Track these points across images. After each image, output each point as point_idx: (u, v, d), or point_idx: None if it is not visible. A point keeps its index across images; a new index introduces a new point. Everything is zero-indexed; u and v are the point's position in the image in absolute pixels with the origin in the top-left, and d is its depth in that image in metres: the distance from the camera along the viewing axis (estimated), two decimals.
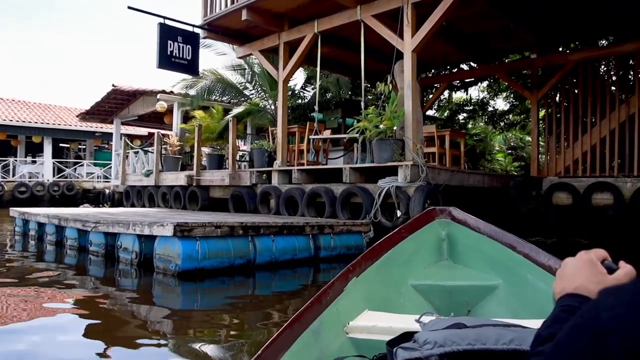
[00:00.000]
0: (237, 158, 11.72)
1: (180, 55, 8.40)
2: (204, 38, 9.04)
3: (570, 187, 9.19)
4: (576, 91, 9.66)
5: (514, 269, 2.03)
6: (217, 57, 16.70)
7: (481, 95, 16.69)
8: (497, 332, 1.14)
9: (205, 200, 9.95)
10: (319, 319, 1.73)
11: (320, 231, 5.99)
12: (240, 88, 15.88)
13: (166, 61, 8.22)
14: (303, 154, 8.95)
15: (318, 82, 8.60)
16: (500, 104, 18.56)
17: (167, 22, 8.33)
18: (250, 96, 15.97)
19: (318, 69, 8.35)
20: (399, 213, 6.49)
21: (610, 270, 0.79)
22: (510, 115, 18.42)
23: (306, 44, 8.29)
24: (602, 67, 9.60)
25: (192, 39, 8.65)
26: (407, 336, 1.24)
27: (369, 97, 15.73)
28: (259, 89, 16.04)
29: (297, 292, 4.83)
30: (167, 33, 8.23)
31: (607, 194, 8.77)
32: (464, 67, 12.83)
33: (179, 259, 4.65)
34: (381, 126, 6.79)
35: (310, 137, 8.28)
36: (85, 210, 8.96)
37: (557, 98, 9.98)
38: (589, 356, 0.53)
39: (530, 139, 23.48)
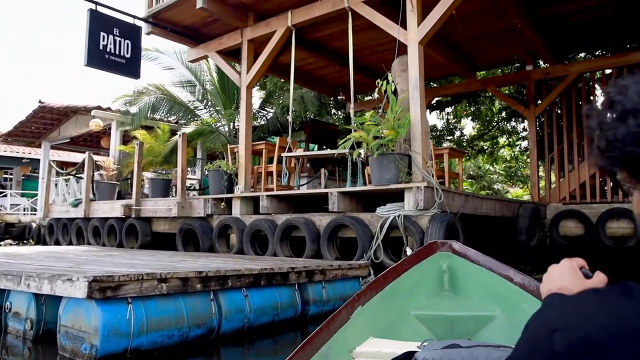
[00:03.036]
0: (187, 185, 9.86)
1: (117, 52, 6.60)
2: (148, 34, 7.27)
3: (579, 215, 7.95)
4: (580, 105, 8.58)
5: (511, 299, 2.10)
6: (163, 72, 14.83)
7: (452, 119, 15.65)
8: (486, 351, 1.28)
9: (147, 235, 8.00)
10: (327, 344, 1.89)
11: (309, 279, 4.28)
12: (191, 107, 14.09)
13: (98, 58, 6.38)
14: (271, 178, 7.27)
15: (292, 88, 6.99)
16: (468, 128, 17.69)
17: (100, 9, 6.54)
18: (202, 117, 14.21)
19: (292, 70, 6.77)
20: (409, 251, 4.90)
21: (587, 277, 0.89)
22: (480, 142, 17.57)
23: (277, 41, 6.70)
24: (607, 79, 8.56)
25: (132, 33, 6.88)
26: (409, 356, 1.44)
27: (340, 114, 14.30)
28: (211, 108, 14.33)
29: None
30: (100, 22, 6.43)
31: (625, 221, 7.57)
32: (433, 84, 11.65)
33: (97, 336, 2.82)
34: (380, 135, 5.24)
35: (282, 155, 6.61)
36: None
37: (557, 114, 8.85)
38: (542, 348, 0.67)
39: (491, 168, 22.82)
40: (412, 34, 5.40)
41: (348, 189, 5.66)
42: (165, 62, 13.75)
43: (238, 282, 3.60)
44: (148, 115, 12.28)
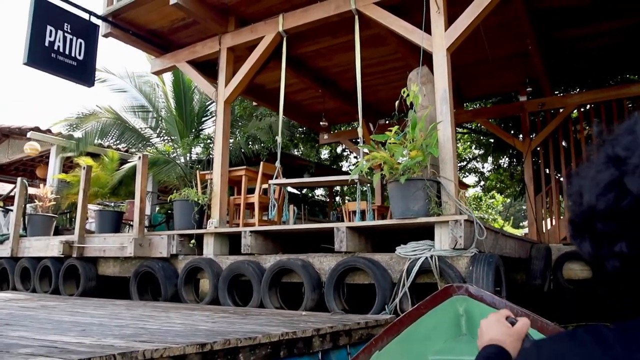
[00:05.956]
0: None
1: (66, 52, 5.35)
2: (106, 36, 6.05)
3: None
4: (578, 138, 8.06)
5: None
6: (113, 95, 13.35)
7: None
8: None
9: (91, 279, 6.53)
10: None
11: (334, 343, 3.15)
12: (145, 135, 12.72)
13: (42, 56, 5.11)
14: (251, 211, 6.10)
15: (282, 104, 5.94)
16: None
17: None
18: (156, 146, 12.85)
19: (282, 82, 5.76)
20: None
21: (513, 324, 1.07)
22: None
23: (265, 48, 5.69)
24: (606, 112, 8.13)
25: (87, 32, 5.67)
26: None
27: (307, 148, 13.34)
28: (166, 137, 13.03)
29: None
30: (47, 14, 5.20)
31: None
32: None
33: None
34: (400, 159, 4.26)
35: (270, 182, 5.48)
36: None
37: (554, 147, 8.26)
38: None
39: None
40: (439, 39, 4.54)
41: (359, 223, 4.59)
42: (117, 84, 12.42)
43: (252, 357, 2.41)
44: (95, 140, 10.82)
